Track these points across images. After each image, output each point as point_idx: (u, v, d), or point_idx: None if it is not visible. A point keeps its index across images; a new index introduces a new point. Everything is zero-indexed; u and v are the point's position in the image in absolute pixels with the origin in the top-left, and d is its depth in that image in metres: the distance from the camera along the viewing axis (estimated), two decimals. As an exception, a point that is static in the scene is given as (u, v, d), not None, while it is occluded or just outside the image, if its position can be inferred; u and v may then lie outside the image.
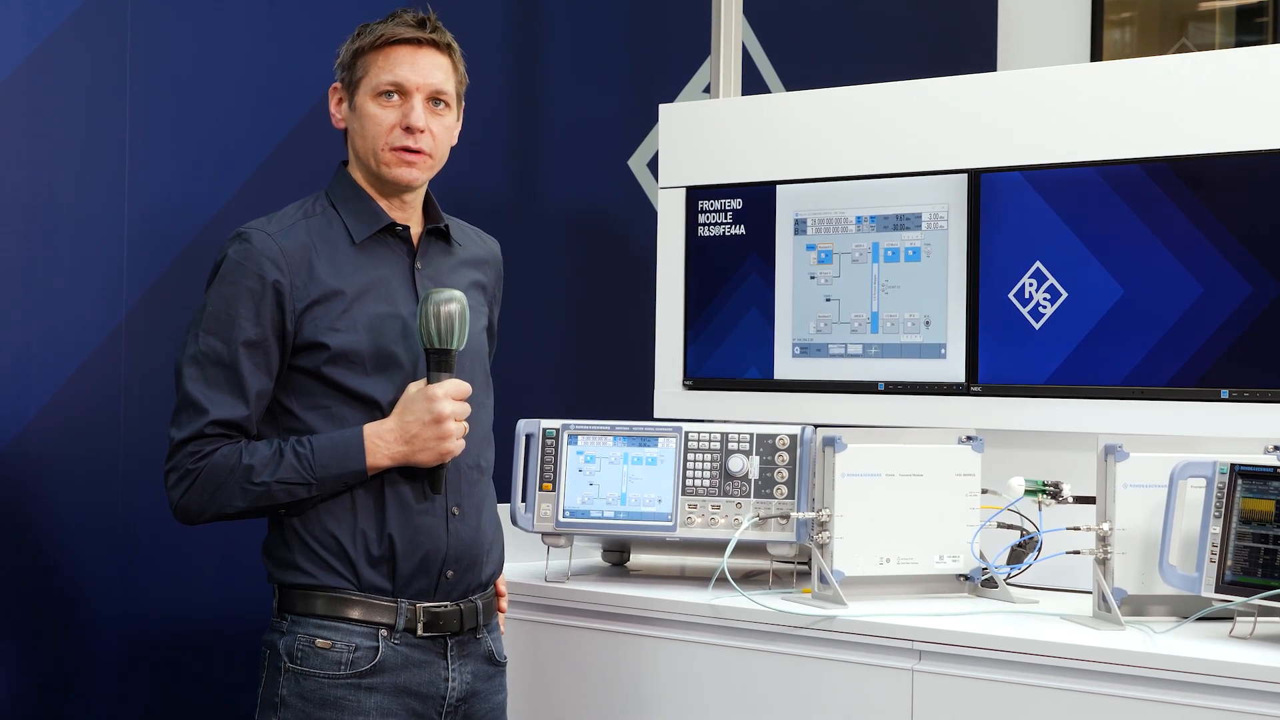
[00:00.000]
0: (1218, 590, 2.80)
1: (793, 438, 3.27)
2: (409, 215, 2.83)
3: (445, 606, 2.75)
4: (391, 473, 2.71)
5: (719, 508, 3.29)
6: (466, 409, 2.72)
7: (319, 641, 2.68)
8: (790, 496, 3.24)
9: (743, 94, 4.20)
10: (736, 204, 3.89)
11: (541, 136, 4.40)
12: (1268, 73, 3.29)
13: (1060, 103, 3.52)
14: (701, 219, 3.95)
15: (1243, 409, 3.24)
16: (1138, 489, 2.96)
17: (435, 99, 2.78)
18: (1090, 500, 3.02)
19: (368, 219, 2.78)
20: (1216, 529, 2.82)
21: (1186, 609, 2.90)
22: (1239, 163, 3.28)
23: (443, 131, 2.80)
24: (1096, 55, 5.37)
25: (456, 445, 2.71)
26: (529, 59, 4.38)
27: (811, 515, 3.15)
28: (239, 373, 2.66)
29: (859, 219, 3.73)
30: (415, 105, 2.75)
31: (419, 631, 2.72)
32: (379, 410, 2.71)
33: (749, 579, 3.34)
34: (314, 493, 2.67)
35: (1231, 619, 2.82)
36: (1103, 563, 2.95)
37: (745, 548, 3.26)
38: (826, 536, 3.13)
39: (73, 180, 3.40)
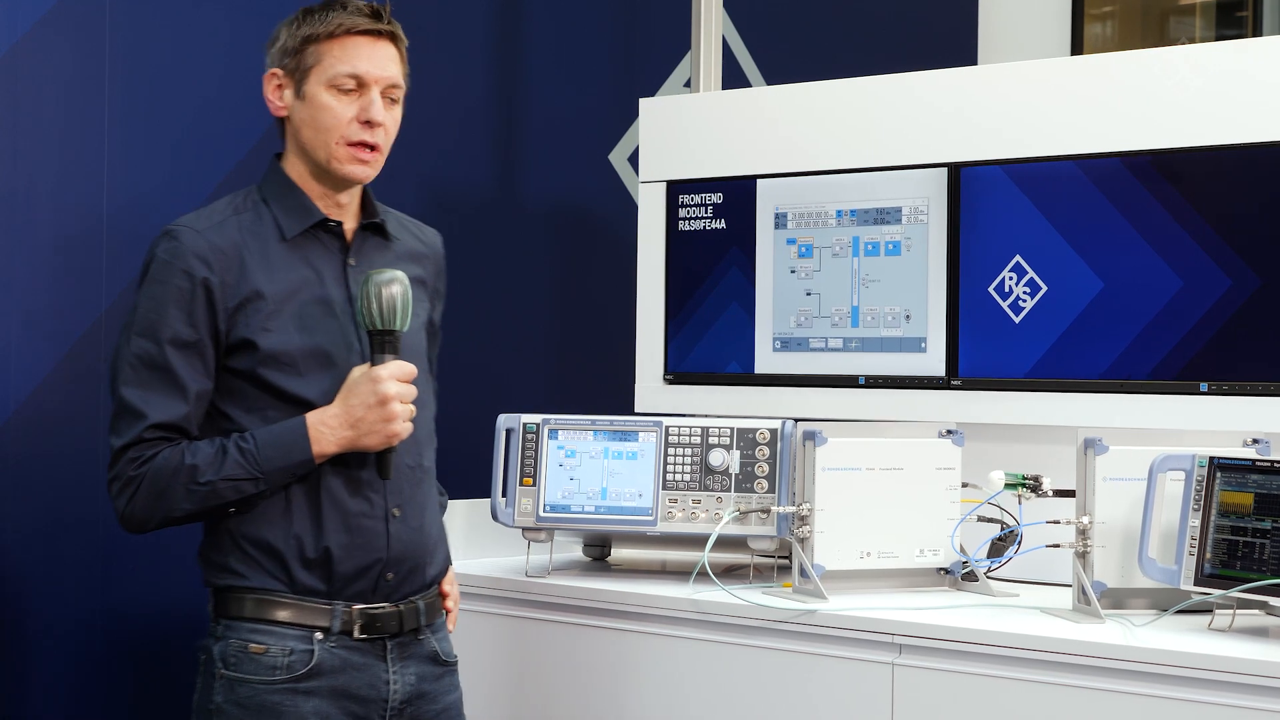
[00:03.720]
0: (1197, 583, 2.80)
1: (773, 432, 3.27)
2: (344, 211, 2.75)
3: (384, 608, 2.68)
4: (328, 474, 2.64)
5: (699, 502, 3.29)
6: (413, 391, 2.65)
7: (253, 646, 2.61)
8: (771, 491, 3.24)
9: (723, 88, 4.20)
10: (717, 198, 3.90)
11: (522, 130, 4.39)
12: (1247, 67, 3.30)
13: (1040, 97, 3.53)
14: (682, 213, 3.95)
15: (1221, 402, 3.24)
16: (1117, 482, 2.97)
17: (388, 92, 2.72)
18: (1070, 494, 3.03)
19: (299, 214, 2.70)
20: (1195, 522, 2.83)
21: (1166, 602, 2.91)
22: (1218, 156, 3.29)
23: (392, 126, 2.74)
24: (1077, 50, 5.38)
25: (404, 428, 2.63)
26: (510, 53, 4.37)
27: (792, 509, 3.15)
28: (173, 373, 2.59)
29: (839, 213, 3.73)
30: (375, 98, 2.68)
31: (355, 634, 2.65)
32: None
33: (730, 573, 3.35)
34: (261, 487, 2.60)
35: (1210, 611, 2.83)
36: (1082, 556, 2.96)
37: (726, 542, 3.26)
38: (807, 530, 3.13)
39: (51, 175, 3.39)
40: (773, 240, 3.81)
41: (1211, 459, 2.84)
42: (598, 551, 3.60)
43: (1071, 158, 3.45)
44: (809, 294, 3.75)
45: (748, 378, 3.82)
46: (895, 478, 3.18)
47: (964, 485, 3.23)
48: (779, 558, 3.34)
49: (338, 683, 2.64)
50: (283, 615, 2.62)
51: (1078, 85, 3.49)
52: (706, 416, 3.58)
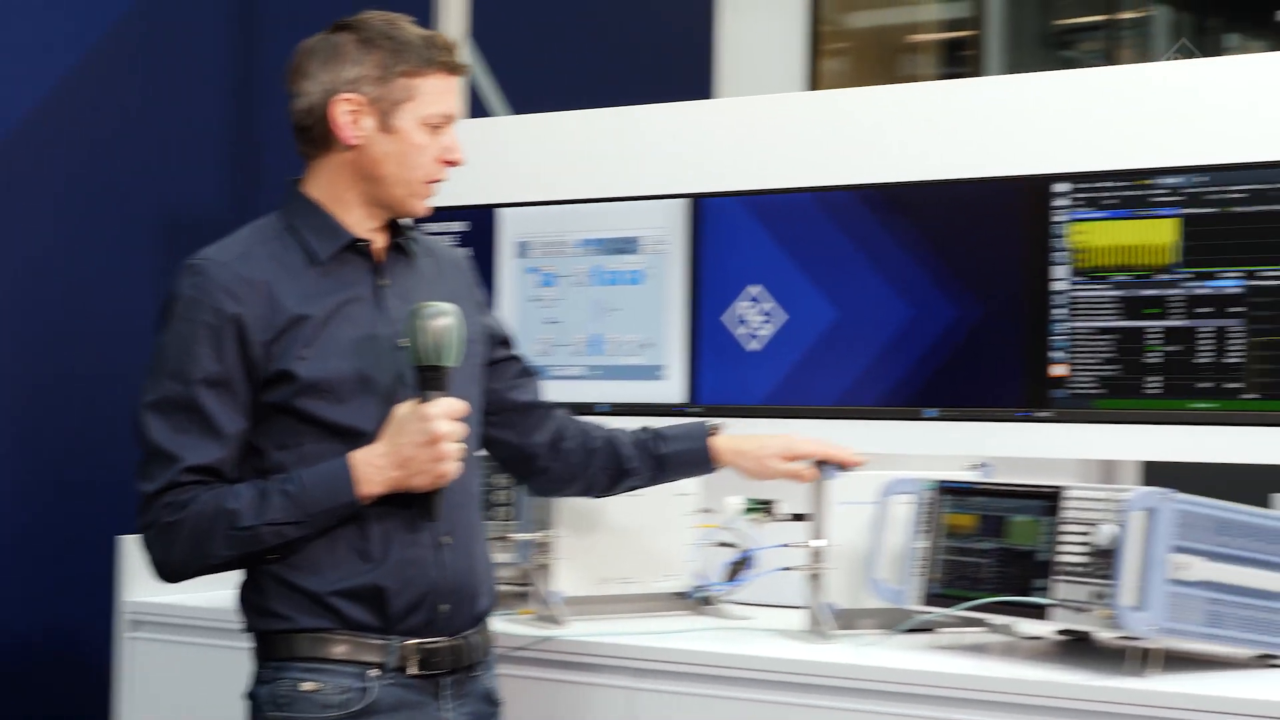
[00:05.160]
0: (923, 602, 2.88)
1: (514, 459, 3.28)
2: (375, 232, 2.61)
3: (440, 643, 2.55)
4: (375, 503, 2.49)
5: (440, 530, 3.28)
6: (464, 429, 2.51)
7: (305, 685, 2.48)
8: (511, 518, 3.25)
9: (469, 117, 4.20)
10: (460, 226, 3.90)
11: (260, 151, 4.34)
12: (973, 104, 3.41)
13: (776, 130, 3.60)
14: (425, 242, 3.94)
15: (949, 427, 3.35)
16: (849, 506, 3.03)
17: None
18: (804, 517, 3.08)
19: (330, 236, 2.57)
20: (922, 543, 2.91)
21: (894, 621, 2.98)
22: (945, 190, 3.40)
23: None
24: (813, 84, 5.50)
25: (454, 468, 2.49)
26: (246, 71, 4.33)
27: (532, 536, 3.16)
28: (206, 414, 2.45)
29: (580, 242, 3.76)
30: (455, 137, 2.61)
31: (412, 670, 2.52)
32: (362, 440, 2.49)
33: (471, 601, 3.34)
34: (305, 531, 2.46)
35: (936, 630, 2.91)
36: (815, 578, 3.02)
37: (467, 570, 3.25)
38: (547, 557, 3.14)
39: None
40: (515, 269, 3.83)
41: (938, 482, 2.93)
42: (338, 581, 3.56)
43: (806, 190, 3.53)
44: (550, 322, 3.78)
45: (490, 406, 3.82)
46: (634, 504, 3.20)
47: (702, 511, 3.27)
48: (520, 585, 3.34)
49: None
50: (337, 652, 2.49)
51: (812, 119, 3.58)
52: (448, 444, 3.57)
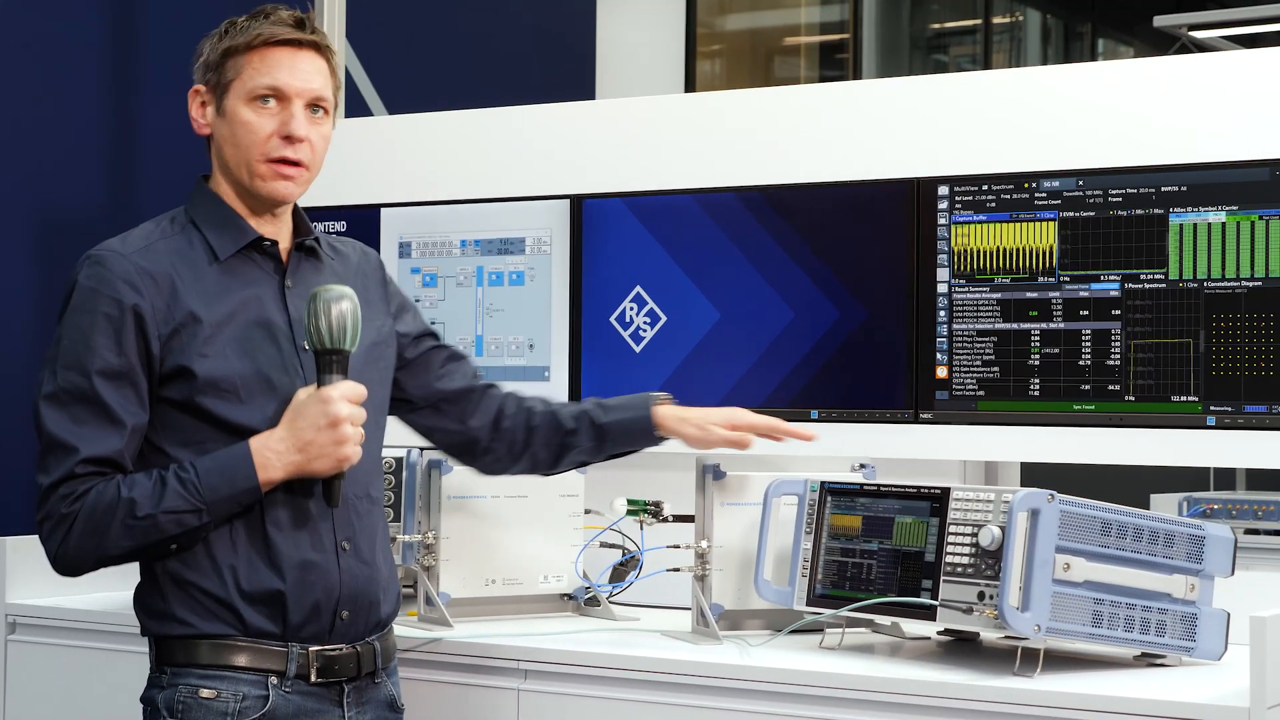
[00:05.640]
0: (809, 603, 2.90)
1: (399, 460, 3.26)
2: (278, 229, 2.60)
3: (340, 650, 2.54)
4: (271, 508, 2.49)
5: (324, 532, 3.25)
6: (363, 413, 2.49)
7: (203, 692, 2.45)
8: (396, 519, 3.23)
9: (346, 116, 4.17)
10: (340, 227, 3.87)
11: (138, 148, 4.29)
12: (855, 107, 3.45)
13: (658, 132, 3.62)
14: (304, 241, 3.91)
15: (831, 429, 3.37)
16: (734, 507, 3.05)
17: (314, 106, 2.56)
18: (690, 519, 3.10)
19: (232, 234, 2.55)
20: (808, 544, 2.93)
21: (780, 622, 3.00)
22: (826, 193, 3.43)
23: (320, 141, 2.58)
24: (690, 86, 5.53)
25: (354, 451, 2.47)
26: (126, 68, 4.27)
27: (418, 538, 3.15)
28: (104, 405, 2.42)
29: (463, 243, 3.75)
30: (295, 113, 2.53)
31: (312, 678, 2.51)
32: None
33: (354, 603, 3.32)
34: (205, 519, 2.43)
35: (822, 630, 2.94)
36: (701, 579, 3.03)
37: (350, 572, 3.23)
38: (432, 559, 3.13)
39: None
40: (397, 269, 3.81)
41: (822, 484, 2.95)
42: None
43: (688, 191, 3.55)
44: (434, 323, 3.75)
45: (371, 407, 3.80)
46: (519, 505, 3.21)
47: (587, 512, 3.28)
48: (405, 586, 3.32)
49: None
50: (236, 659, 2.47)
51: (691, 121, 3.60)
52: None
